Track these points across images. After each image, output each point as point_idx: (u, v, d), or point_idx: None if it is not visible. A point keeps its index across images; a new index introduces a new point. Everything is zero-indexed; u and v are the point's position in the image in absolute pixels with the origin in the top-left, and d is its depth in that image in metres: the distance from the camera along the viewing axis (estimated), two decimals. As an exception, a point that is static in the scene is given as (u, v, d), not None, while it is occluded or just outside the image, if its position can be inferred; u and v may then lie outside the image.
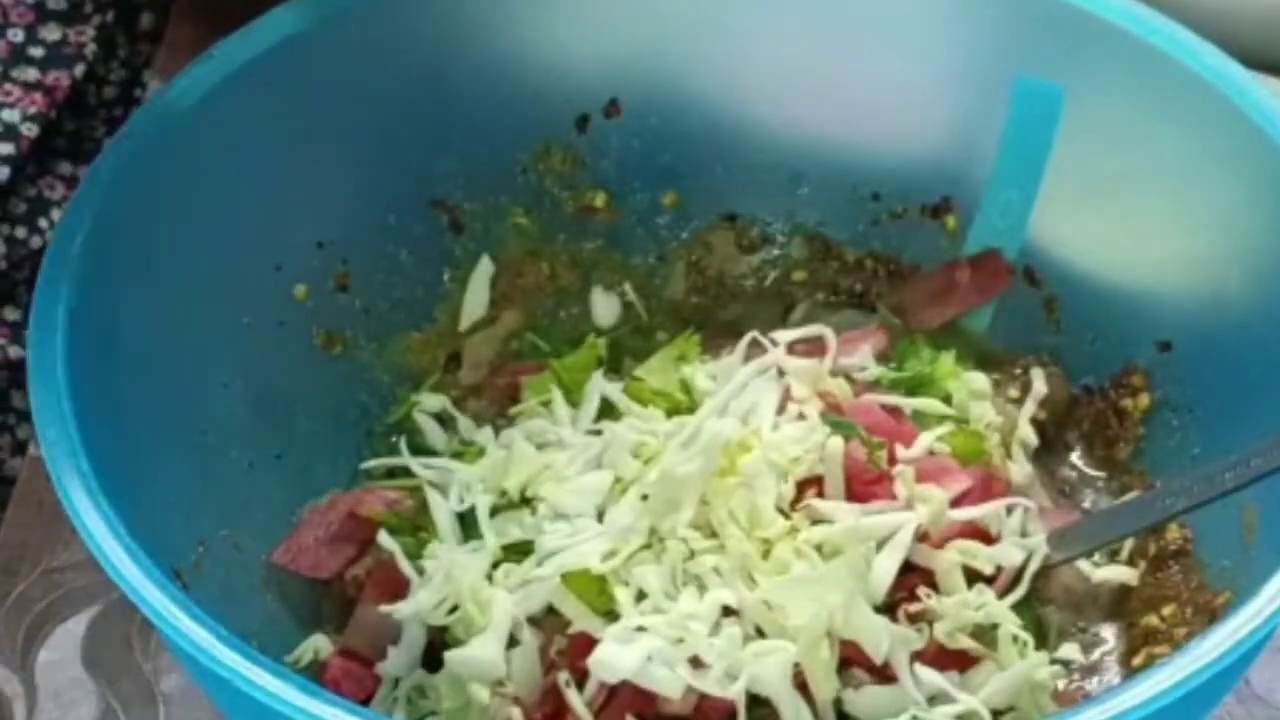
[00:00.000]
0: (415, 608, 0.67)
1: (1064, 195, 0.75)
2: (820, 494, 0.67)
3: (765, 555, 0.65)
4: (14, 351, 0.85)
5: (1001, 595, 0.67)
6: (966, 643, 0.65)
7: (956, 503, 0.68)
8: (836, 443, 0.68)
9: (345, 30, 0.72)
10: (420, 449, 0.75)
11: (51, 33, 0.85)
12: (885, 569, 0.65)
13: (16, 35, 0.84)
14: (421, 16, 0.74)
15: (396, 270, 0.77)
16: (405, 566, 0.68)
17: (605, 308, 0.80)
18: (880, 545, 0.66)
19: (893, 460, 0.69)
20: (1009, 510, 0.69)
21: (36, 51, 0.85)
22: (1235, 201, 0.70)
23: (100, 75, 0.90)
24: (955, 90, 0.76)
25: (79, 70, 0.85)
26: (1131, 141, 0.72)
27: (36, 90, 0.84)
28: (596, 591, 0.65)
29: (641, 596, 0.65)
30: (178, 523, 0.66)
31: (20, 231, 0.86)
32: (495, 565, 0.67)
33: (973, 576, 0.67)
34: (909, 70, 0.75)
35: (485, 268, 0.78)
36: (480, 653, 0.65)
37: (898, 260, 0.79)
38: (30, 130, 0.84)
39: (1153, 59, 0.70)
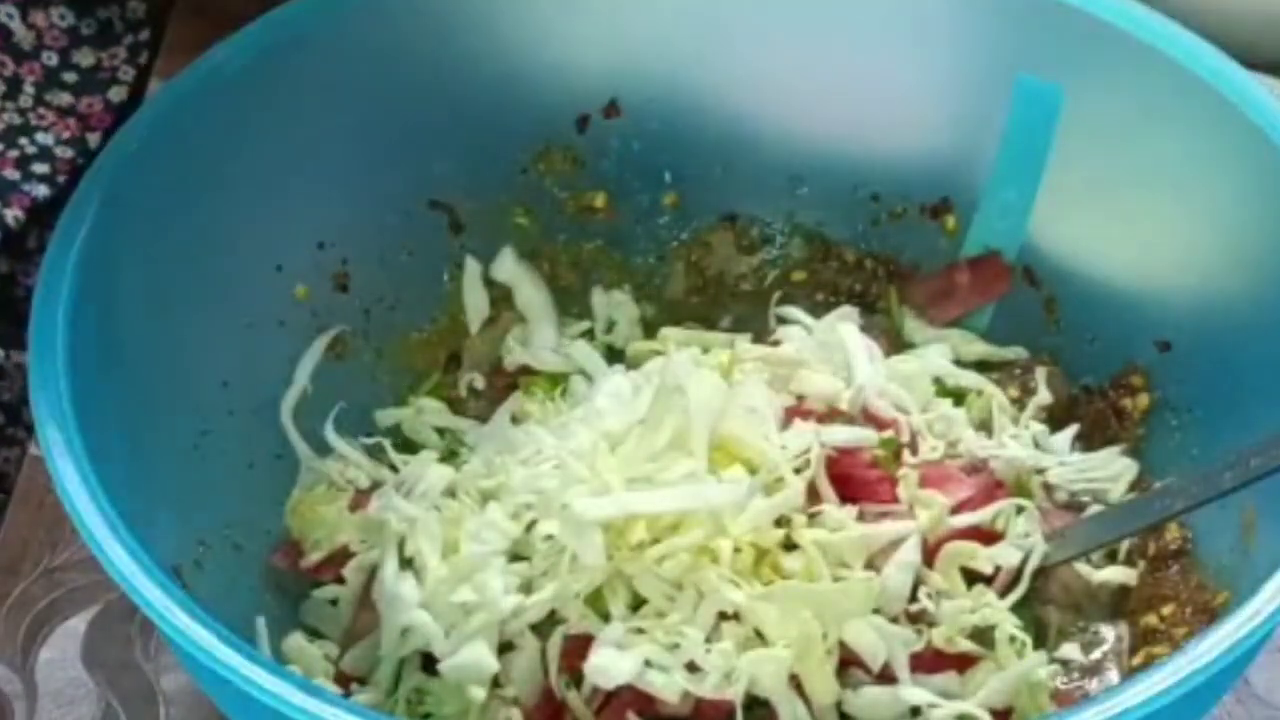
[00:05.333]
0: (390, 645, 0.67)
1: (1064, 195, 0.75)
2: (819, 498, 0.68)
3: (759, 561, 0.65)
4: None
5: (1001, 595, 0.67)
6: (965, 645, 0.65)
7: (958, 508, 0.69)
8: (820, 451, 0.68)
9: (345, 30, 0.72)
10: (416, 450, 0.75)
11: (85, 58, 0.86)
12: (899, 584, 0.66)
13: (51, 59, 0.85)
14: (421, 16, 0.74)
15: (396, 270, 0.77)
16: (379, 602, 0.68)
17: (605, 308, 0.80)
18: (881, 552, 0.66)
19: (899, 462, 0.70)
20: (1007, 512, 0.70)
21: (70, 77, 0.85)
22: (1235, 201, 0.70)
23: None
24: (955, 90, 0.76)
25: (114, 94, 0.86)
26: (1131, 141, 0.72)
27: (70, 116, 0.85)
28: (595, 595, 0.65)
29: (639, 602, 0.65)
30: (178, 522, 0.66)
31: None
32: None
33: (973, 577, 0.68)
34: (909, 70, 0.75)
35: (473, 269, 0.78)
36: (472, 657, 0.65)
37: (898, 260, 0.79)
38: (66, 153, 0.85)
39: (1152, 59, 0.70)
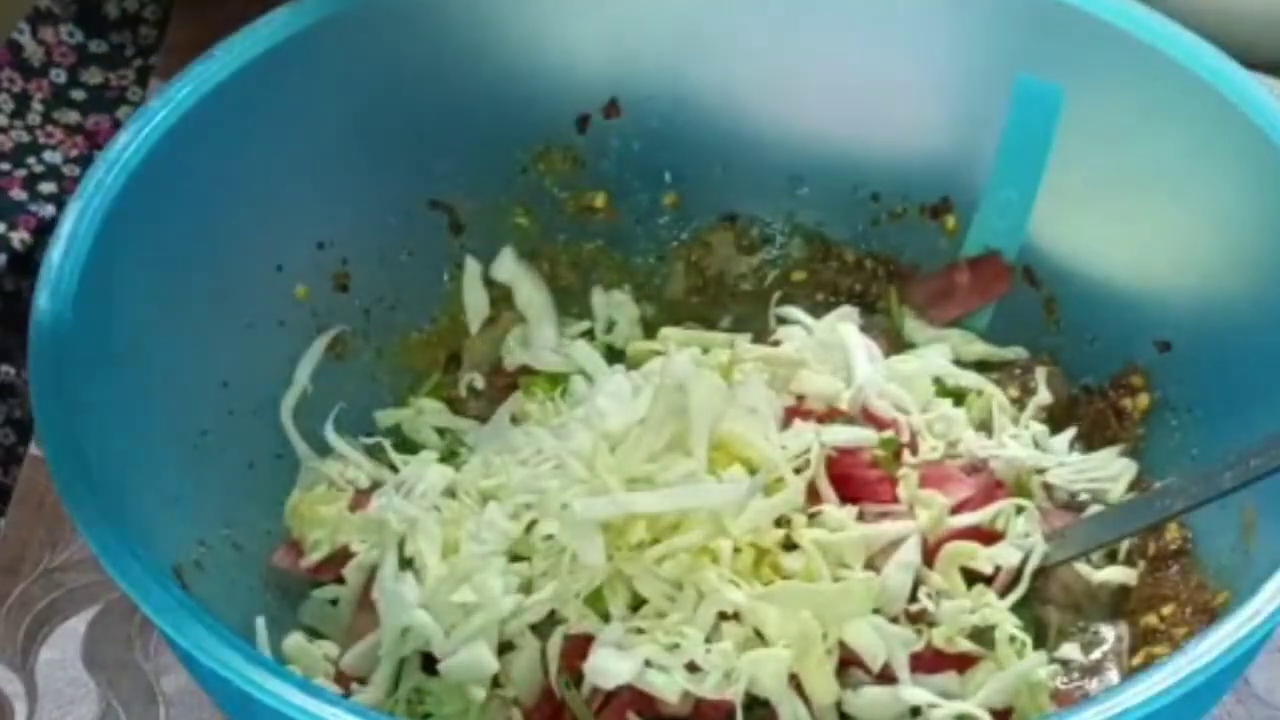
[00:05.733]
0: (391, 645, 0.67)
1: (1064, 195, 0.75)
2: (819, 498, 0.68)
3: (759, 561, 0.65)
4: None
5: (1001, 595, 0.67)
6: (965, 645, 0.65)
7: (958, 508, 0.69)
8: (820, 451, 0.68)
9: (345, 30, 0.72)
10: (416, 450, 0.75)
11: (93, 76, 0.86)
12: (899, 584, 0.66)
13: (59, 76, 0.85)
14: (422, 16, 0.74)
15: (396, 270, 0.77)
16: (379, 602, 0.68)
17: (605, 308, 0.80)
18: (881, 552, 0.66)
19: (899, 462, 0.70)
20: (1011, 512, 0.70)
21: (78, 95, 0.86)
22: (1235, 201, 0.70)
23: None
24: (955, 90, 0.76)
25: (122, 113, 0.87)
26: (1131, 141, 0.72)
27: (78, 134, 0.85)
28: (595, 595, 0.65)
29: (639, 602, 0.65)
30: (178, 522, 0.66)
31: None
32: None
33: (973, 577, 0.68)
34: (909, 70, 0.75)
35: (473, 269, 0.78)
36: (472, 657, 0.65)
37: (897, 260, 0.79)
38: (73, 171, 0.85)
39: (1152, 59, 0.70)
